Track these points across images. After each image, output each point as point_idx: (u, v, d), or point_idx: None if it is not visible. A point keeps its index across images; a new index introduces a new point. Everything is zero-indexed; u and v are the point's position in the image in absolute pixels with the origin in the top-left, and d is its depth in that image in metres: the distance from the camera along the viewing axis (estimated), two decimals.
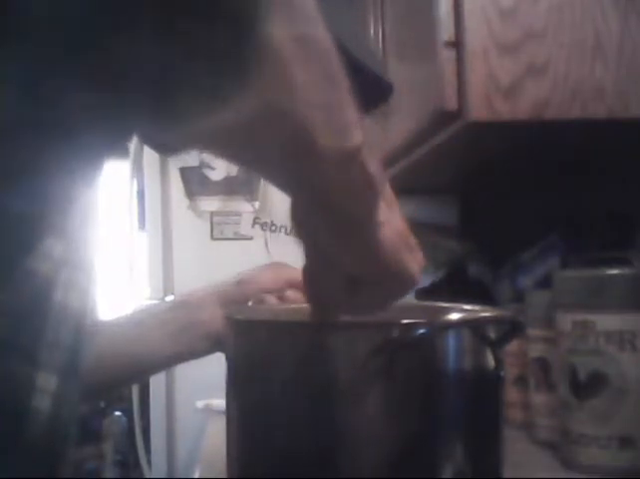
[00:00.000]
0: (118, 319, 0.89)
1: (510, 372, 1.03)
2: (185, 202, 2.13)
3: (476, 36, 0.83)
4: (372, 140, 0.45)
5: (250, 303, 0.77)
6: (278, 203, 2.08)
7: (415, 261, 0.49)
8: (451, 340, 0.51)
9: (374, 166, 0.42)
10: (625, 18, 0.83)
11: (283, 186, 0.44)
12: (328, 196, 0.42)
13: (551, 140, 0.97)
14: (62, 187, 0.35)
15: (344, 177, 0.41)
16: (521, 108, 0.82)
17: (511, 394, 1.04)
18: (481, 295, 1.26)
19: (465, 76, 0.83)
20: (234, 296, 0.80)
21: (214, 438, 1.14)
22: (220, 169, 2.12)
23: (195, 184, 2.13)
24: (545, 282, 0.98)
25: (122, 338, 0.80)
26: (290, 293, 0.79)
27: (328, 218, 0.44)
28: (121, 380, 0.84)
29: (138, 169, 2.24)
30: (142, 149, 2.17)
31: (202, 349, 0.82)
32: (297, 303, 0.77)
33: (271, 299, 0.78)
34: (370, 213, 0.44)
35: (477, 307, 0.60)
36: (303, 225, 0.46)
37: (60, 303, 0.36)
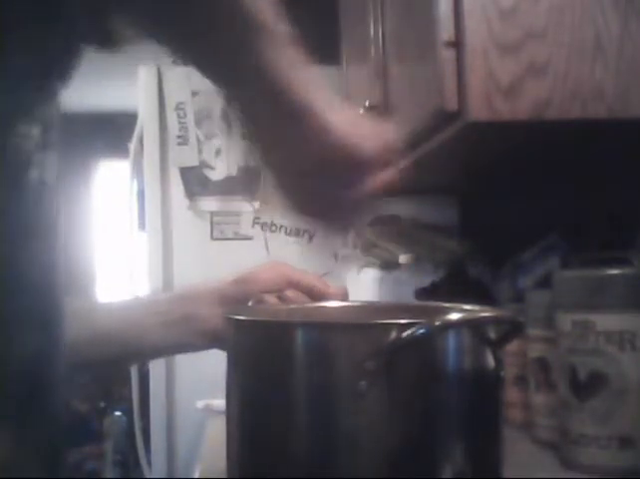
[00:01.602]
0: (115, 302, 0.90)
1: (510, 372, 1.03)
2: (185, 202, 2.13)
3: (476, 36, 0.82)
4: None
5: (250, 303, 0.77)
6: (278, 203, 2.08)
7: (373, 139, 0.56)
8: (451, 340, 0.51)
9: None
10: (625, 18, 0.83)
11: (225, 74, 0.50)
12: (272, 73, 0.48)
13: (551, 140, 0.97)
14: (34, 80, 0.40)
15: (281, 54, 0.48)
16: (521, 108, 0.82)
17: (511, 394, 1.04)
18: (482, 295, 1.26)
19: (465, 76, 0.83)
20: (234, 295, 0.80)
21: (214, 438, 1.14)
22: (220, 169, 2.12)
23: (195, 184, 2.13)
24: (545, 282, 0.98)
25: (116, 319, 0.81)
26: (290, 293, 0.79)
27: (272, 102, 0.50)
28: (113, 359, 0.85)
29: (138, 169, 2.24)
30: (142, 149, 2.18)
31: (196, 344, 0.82)
32: (297, 303, 0.77)
33: (271, 299, 0.78)
34: (311, 94, 0.50)
35: (476, 307, 0.59)
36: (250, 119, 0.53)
37: (37, 179, 0.40)
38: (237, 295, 0.79)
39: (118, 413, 3.07)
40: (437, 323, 0.49)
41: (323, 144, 0.53)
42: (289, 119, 0.51)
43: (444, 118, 0.88)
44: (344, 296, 0.81)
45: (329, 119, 0.53)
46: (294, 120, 0.51)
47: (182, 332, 0.80)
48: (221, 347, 0.76)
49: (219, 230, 2.16)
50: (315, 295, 0.79)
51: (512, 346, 1.00)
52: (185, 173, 2.13)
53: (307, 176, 0.56)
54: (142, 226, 2.24)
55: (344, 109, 0.55)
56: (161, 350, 0.90)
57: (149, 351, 0.88)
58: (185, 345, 0.83)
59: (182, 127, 2.10)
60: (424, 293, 1.39)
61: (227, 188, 2.13)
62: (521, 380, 1.02)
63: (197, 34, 0.46)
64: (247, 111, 0.53)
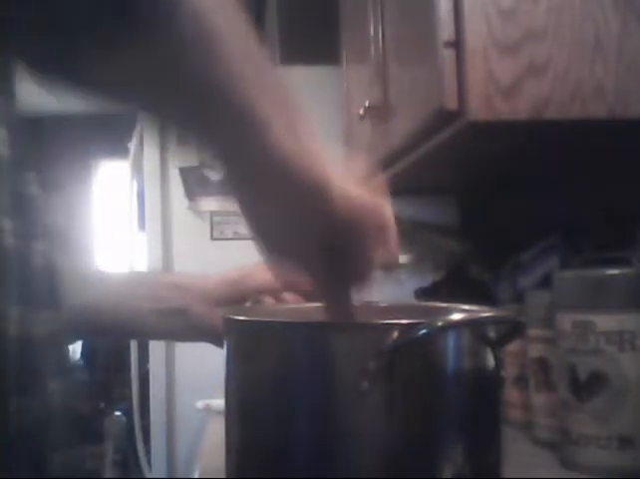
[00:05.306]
0: (112, 274, 0.91)
1: (510, 372, 1.03)
2: (185, 202, 2.13)
3: (476, 36, 0.83)
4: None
5: (248, 304, 0.77)
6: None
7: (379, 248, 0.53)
8: (451, 340, 0.51)
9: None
10: (625, 18, 0.83)
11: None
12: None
13: (551, 140, 0.97)
14: None
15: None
16: (521, 108, 0.82)
17: (511, 394, 1.04)
18: (482, 295, 1.26)
19: (465, 76, 0.83)
20: (230, 295, 0.80)
21: (214, 438, 1.14)
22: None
23: (195, 184, 2.13)
24: (545, 282, 0.98)
25: (111, 293, 0.82)
26: (288, 295, 0.79)
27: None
28: (101, 331, 0.86)
29: (138, 169, 2.24)
30: (142, 149, 2.18)
31: (186, 336, 0.84)
32: (295, 304, 0.77)
33: (269, 300, 0.78)
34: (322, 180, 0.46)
35: (476, 307, 0.59)
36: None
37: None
38: (233, 295, 0.80)
39: (118, 413, 3.07)
40: (439, 324, 0.49)
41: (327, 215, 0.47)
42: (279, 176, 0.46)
43: (444, 118, 0.88)
44: None
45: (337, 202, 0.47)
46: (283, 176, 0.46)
47: (174, 324, 0.81)
48: (212, 342, 0.77)
49: (219, 230, 2.16)
50: (313, 295, 0.79)
51: (512, 346, 1.00)
52: (185, 173, 2.13)
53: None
54: (142, 226, 2.24)
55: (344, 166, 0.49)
56: (151, 335, 0.97)
57: (138, 333, 0.90)
58: (175, 335, 0.86)
59: None
60: (424, 293, 1.39)
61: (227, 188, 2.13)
62: (521, 380, 1.02)
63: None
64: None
